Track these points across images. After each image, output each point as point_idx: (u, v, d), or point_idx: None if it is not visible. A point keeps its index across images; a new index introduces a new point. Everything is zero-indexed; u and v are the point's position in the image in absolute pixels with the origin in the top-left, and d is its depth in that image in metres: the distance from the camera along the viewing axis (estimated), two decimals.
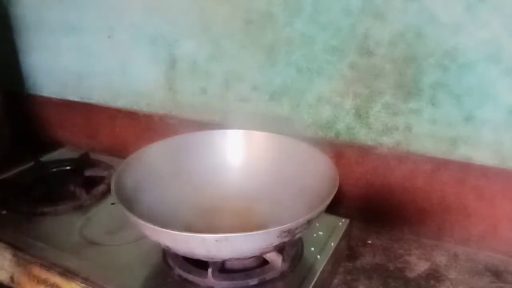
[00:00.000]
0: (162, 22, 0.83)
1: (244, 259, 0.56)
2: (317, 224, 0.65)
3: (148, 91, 0.91)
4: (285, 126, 0.77)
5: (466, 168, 0.66)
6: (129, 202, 0.55)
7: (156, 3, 0.83)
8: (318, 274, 0.56)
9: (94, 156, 0.91)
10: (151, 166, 0.66)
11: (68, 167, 0.88)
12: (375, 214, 0.74)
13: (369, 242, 0.71)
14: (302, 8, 0.70)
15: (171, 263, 0.58)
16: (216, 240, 0.48)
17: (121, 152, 0.67)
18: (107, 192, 0.77)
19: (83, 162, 0.88)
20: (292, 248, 0.59)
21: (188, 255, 0.53)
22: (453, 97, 0.64)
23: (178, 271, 0.56)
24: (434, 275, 0.63)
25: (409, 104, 0.67)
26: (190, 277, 0.55)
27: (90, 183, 0.80)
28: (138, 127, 0.92)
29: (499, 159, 0.64)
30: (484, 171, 0.65)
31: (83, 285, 0.56)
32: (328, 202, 0.53)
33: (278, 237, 0.49)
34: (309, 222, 0.51)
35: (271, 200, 0.65)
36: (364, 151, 0.72)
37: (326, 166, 0.61)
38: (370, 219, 0.74)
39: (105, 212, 0.72)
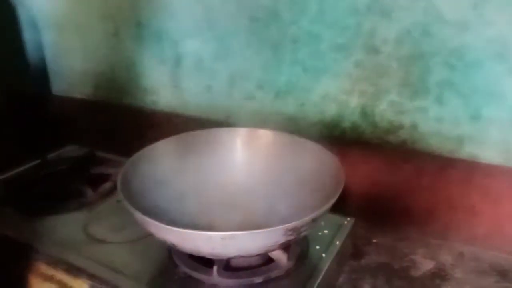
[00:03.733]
0: (168, 20, 0.84)
1: (249, 257, 0.56)
2: (323, 223, 0.64)
3: (154, 89, 0.91)
4: (290, 124, 0.77)
5: (472, 166, 0.65)
6: (134, 200, 0.55)
7: (161, 1, 0.83)
8: (323, 272, 0.56)
9: (100, 154, 0.91)
10: (156, 163, 0.66)
11: (74, 165, 0.88)
12: (380, 213, 0.74)
13: (374, 241, 0.71)
14: (308, 6, 0.70)
15: (176, 260, 0.58)
16: (222, 238, 0.48)
17: (127, 150, 0.67)
18: (113, 189, 0.77)
19: (89, 159, 0.88)
20: (297, 247, 0.59)
21: (194, 252, 0.54)
22: (459, 95, 0.64)
23: (184, 268, 0.56)
24: (439, 274, 0.63)
25: (415, 102, 0.67)
26: (196, 274, 0.55)
27: (96, 181, 0.80)
28: (143, 125, 0.92)
29: (505, 158, 0.64)
30: (490, 170, 0.64)
31: (89, 282, 0.56)
32: (333, 200, 0.53)
33: (283, 235, 0.49)
34: (314, 220, 0.51)
35: (277, 198, 0.65)
36: (370, 149, 0.72)
37: (331, 164, 0.61)
38: (375, 218, 0.73)
39: (111, 210, 0.72)
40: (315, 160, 0.64)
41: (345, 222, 0.66)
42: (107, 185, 0.78)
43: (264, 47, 0.76)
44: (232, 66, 0.80)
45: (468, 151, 0.66)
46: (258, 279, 0.54)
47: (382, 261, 0.66)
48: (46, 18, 1.00)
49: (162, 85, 0.89)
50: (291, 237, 0.51)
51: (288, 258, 0.55)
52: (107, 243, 0.64)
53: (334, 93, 0.72)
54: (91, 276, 0.57)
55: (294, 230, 0.50)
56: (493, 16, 0.59)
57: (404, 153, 0.70)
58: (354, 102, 0.71)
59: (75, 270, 0.58)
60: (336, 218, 0.66)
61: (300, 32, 0.72)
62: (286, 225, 0.48)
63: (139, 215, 0.51)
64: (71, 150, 0.97)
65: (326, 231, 0.64)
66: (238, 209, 0.66)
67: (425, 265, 0.65)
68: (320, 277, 0.55)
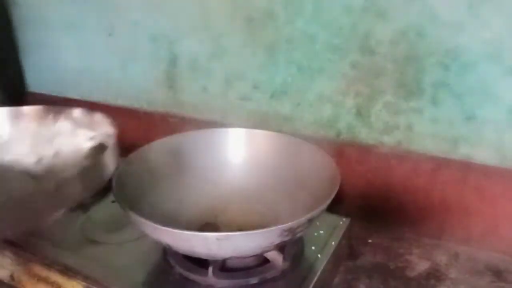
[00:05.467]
0: (163, 20, 0.83)
1: (245, 257, 0.56)
2: (318, 223, 0.64)
3: (149, 89, 0.91)
4: (286, 124, 0.77)
5: (467, 167, 0.66)
6: (129, 201, 0.55)
7: (157, 0, 0.83)
8: (318, 273, 0.56)
9: None
10: (151, 164, 0.66)
11: None
12: (375, 213, 0.74)
13: (370, 241, 0.71)
14: (303, 7, 0.70)
15: (171, 261, 0.57)
16: (217, 239, 0.48)
17: (122, 150, 0.66)
18: (108, 190, 0.76)
19: None
20: (293, 247, 0.59)
21: (189, 253, 0.53)
22: (454, 96, 0.64)
23: (179, 269, 0.56)
24: (434, 274, 0.63)
25: (410, 103, 0.67)
26: (191, 275, 0.55)
27: None
28: (138, 125, 0.92)
29: (500, 159, 0.64)
30: (485, 171, 0.65)
31: (83, 283, 0.56)
32: (329, 201, 0.53)
33: (279, 236, 0.49)
34: (310, 221, 0.51)
35: (272, 198, 0.65)
36: (365, 150, 0.72)
37: (327, 165, 0.61)
38: (370, 218, 0.73)
39: (106, 211, 0.72)
40: (311, 160, 0.64)
41: (341, 222, 0.66)
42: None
43: (259, 47, 0.76)
44: (228, 67, 0.80)
45: (463, 152, 0.66)
46: (253, 280, 0.54)
47: (378, 261, 0.66)
48: (40, 17, 1.00)
49: (157, 85, 0.89)
50: (287, 238, 0.51)
51: (284, 259, 0.55)
52: (102, 244, 0.64)
53: (330, 94, 0.73)
54: (85, 277, 0.56)
55: (290, 230, 0.50)
56: (489, 17, 0.59)
57: (399, 153, 0.70)
58: (350, 102, 0.71)
59: (69, 271, 0.58)
60: (331, 218, 0.66)
61: (296, 33, 0.72)
62: (282, 225, 0.48)
63: (134, 216, 0.51)
64: None
65: (321, 232, 0.64)
66: (233, 209, 0.66)
67: (421, 265, 0.65)
68: (316, 277, 0.55)
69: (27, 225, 0.45)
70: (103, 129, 0.60)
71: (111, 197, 0.74)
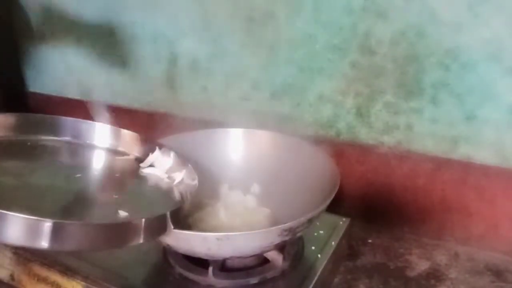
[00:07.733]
0: (163, 20, 0.83)
1: (245, 257, 0.56)
2: (318, 223, 0.64)
3: (149, 89, 0.91)
4: (286, 124, 0.77)
5: (467, 167, 0.66)
6: None
7: (157, 0, 0.83)
8: (318, 273, 0.56)
9: None
10: None
11: None
12: (375, 213, 0.74)
13: (370, 241, 0.71)
14: (303, 7, 0.70)
15: (171, 261, 0.57)
16: (217, 239, 0.48)
17: None
18: None
19: None
20: (293, 247, 0.59)
21: (189, 253, 0.53)
22: (454, 96, 0.64)
23: (179, 269, 0.56)
24: (434, 274, 0.63)
25: (410, 103, 0.67)
26: (191, 275, 0.55)
27: None
28: (138, 125, 0.92)
29: (500, 159, 0.64)
30: (485, 171, 0.65)
31: (83, 283, 0.56)
32: (329, 201, 0.53)
33: (279, 235, 0.49)
34: (310, 221, 0.51)
35: (272, 198, 0.65)
36: (365, 150, 0.72)
37: (327, 165, 0.61)
38: (370, 218, 0.74)
39: None
40: (311, 160, 0.64)
41: (341, 222, 0.66)
42: None
43: (259, 47, 0.76)
44: (228, 66, 0.80)
45: (463, 151, 0.66)
46: (253, 280, 0.54)
47: (378, 261, 0.66)
48: (41, 17, 1.00)
49: (157, 85, 0.89)
50: (287, 238, 0.51)
51: (284, 259, 0.55)
52: None
53: (330, 94, 0.73)
54: (85, 278, 0.56)
55: (290, 230, 0.49)
56: (488, 17, 0.59)
57: (399, 153, 0.70)
58: (350, 102, 0.71)
59: (69, 271, 0.58)
60: (331, 218, 0.66)
61: (296, 33, 0.72)
62: (282, 225, 0.48)
63: None
64: None
65: (321, 232, 0.64)
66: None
67: (421, 265, 0.65)
68: (316, 277, 0.55)
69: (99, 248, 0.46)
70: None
71: None
